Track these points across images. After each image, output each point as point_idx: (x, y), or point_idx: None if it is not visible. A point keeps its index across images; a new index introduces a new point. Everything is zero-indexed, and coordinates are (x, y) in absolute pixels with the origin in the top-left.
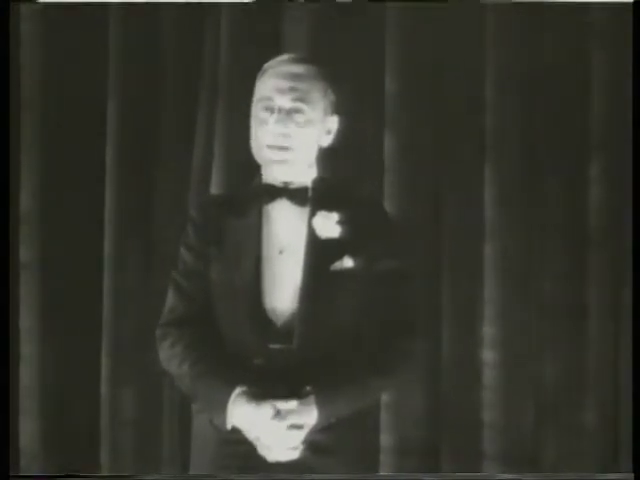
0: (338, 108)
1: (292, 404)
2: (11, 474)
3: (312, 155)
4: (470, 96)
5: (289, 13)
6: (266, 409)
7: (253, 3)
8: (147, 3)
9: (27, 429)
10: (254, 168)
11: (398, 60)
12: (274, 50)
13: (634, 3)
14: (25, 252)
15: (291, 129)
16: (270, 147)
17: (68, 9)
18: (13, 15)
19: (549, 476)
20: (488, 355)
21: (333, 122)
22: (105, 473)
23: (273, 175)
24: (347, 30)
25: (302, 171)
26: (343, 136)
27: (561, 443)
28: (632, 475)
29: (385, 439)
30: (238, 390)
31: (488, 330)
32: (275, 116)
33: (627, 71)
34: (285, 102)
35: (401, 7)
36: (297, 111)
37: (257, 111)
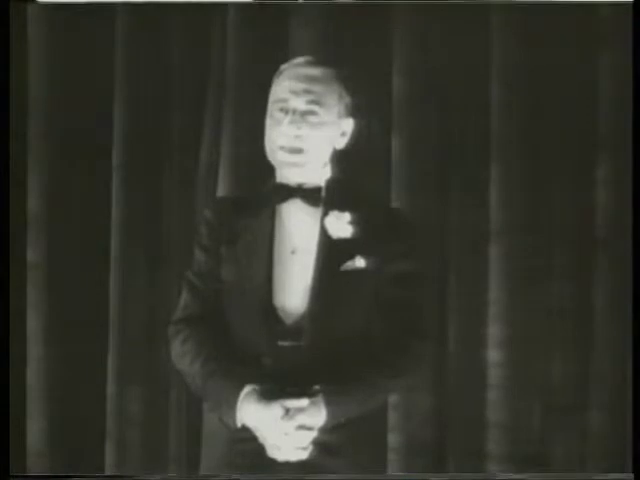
0: (353, 111)
1: (303, 402)
2: (13, 473)
3: (325, 157)
4: (476, 97)
5: (296, 13)
6: (276, 408)
7: (259, 3)
8: (153, 3)
9: (34, 428)
10: (261, 169)
11: (405, 61)
12: (281, 50)
13: (634, 3)
14: (33, 253)
15: (304, 131)
16: (283, 148)
17: (75, 9)
18: (20, 15)
19: (555, 476)
20: (494, 355)
21: (348, 124)
22: (111, 473)
23: (287, 176)
24: (354, 31)
25: (316, 172)
26: (351, 137)
27: (568, 443)
28: (632, 475)
29: (392, 439)
30: (248, 388)
31: (494, 330)
32: (289, 117)
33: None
34: (299, 104)
35: (408, 8)
36: (311, 113)
37: (272, 112)
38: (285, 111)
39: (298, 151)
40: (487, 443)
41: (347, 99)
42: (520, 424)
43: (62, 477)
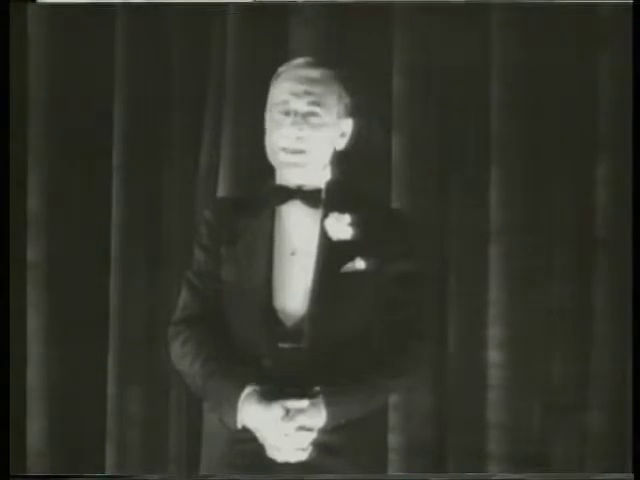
0: (352, 111)
1: (303, 403)
2: (13, 473)
3: (326, 158)
4: (476, 97)
5: (296, 13)
6: (276, 409)
7: (259, 3)
8: (153, 3)
9: (34, 428)
10: (261, 170)
11: (405, 61)
12: (281, 50)
13: (634, 3)
14: (33, 252)
15: (306, 132)
16: (285, 150)
17: (75, 9)
18: (20, 15)
19: (555, 476)
20: (494, 355)
21: (347, 125)
22: (111, 473)
23: (287, 177)
24: (354, 31)
25: (316, 173)
26: (350, 138)
27: (567, 443)
28: (632, 475)
29: (393, 439)
30: (248, 389)
31: (494, 330)
32: (290, 119)
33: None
34: (300, 106)
35: (408, 8)
36: (312, 114)
37: (273, 114)
38: (286, 113)
39: (300, 152)
40: (487, 443)
41: (346, 99)
42: (520, 424)
43: (62, 477)
